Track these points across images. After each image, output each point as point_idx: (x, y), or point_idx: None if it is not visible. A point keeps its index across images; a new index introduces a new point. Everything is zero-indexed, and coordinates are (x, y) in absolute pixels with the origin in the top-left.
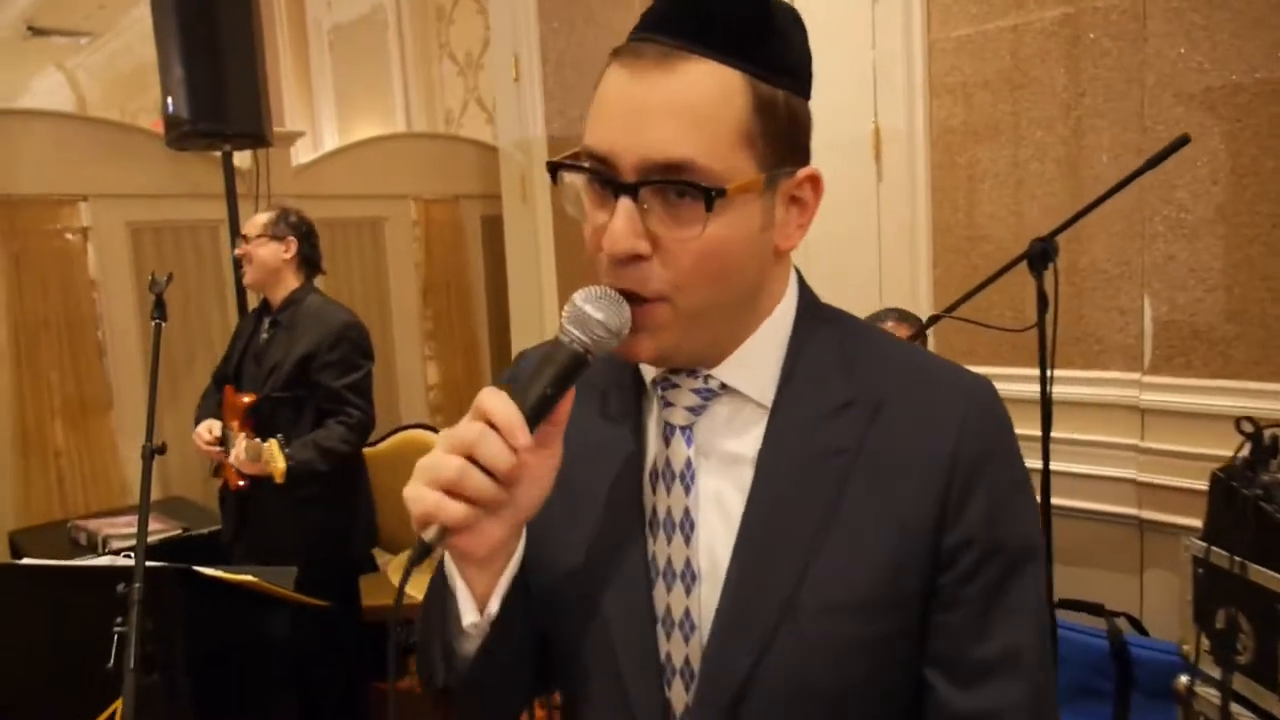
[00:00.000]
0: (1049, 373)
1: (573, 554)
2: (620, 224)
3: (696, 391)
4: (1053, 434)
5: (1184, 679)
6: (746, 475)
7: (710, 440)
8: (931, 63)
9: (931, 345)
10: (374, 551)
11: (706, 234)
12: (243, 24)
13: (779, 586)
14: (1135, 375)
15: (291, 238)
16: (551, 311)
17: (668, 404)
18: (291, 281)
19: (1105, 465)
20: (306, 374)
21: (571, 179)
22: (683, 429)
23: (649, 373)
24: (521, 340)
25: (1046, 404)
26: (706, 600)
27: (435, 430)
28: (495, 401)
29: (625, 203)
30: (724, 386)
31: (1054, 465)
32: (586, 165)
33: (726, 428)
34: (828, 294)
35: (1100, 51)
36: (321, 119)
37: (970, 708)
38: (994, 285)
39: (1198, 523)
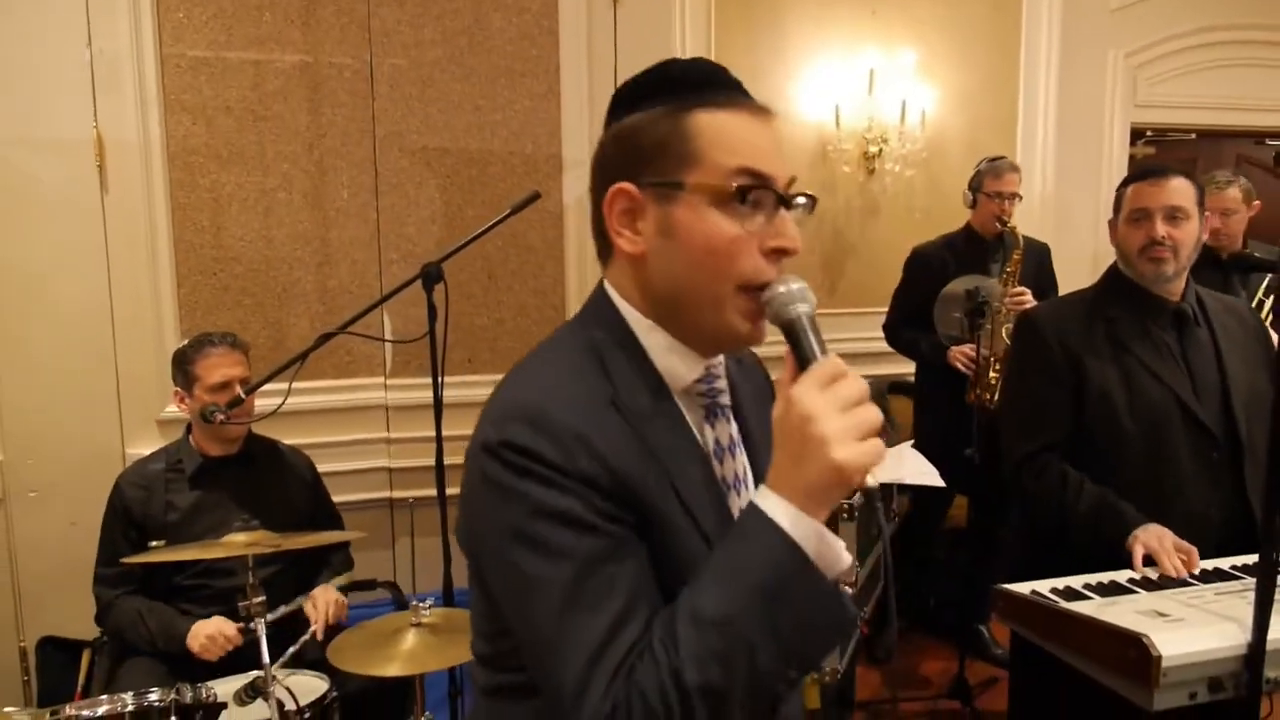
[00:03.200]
0: (440, 377)
1: (688, 522)
2: (796, 228)
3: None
4: (318, 439)
5: None
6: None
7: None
8: (165, 77)
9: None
10: None
11: None
12: None
13: None
14: (380, 379)
15: None
16: None
17: (716, 392)
18: None
19: (363, 459)
20: None
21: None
22: (726, 409)
23: (685, 377)
24: None
25: (439, 404)
26: None
27: None
28: (839, 364)
29: (789, 213)
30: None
31: (327, 467)
32: (764, 186)
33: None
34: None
35: (337, 102)
36: None
37: None
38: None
39: (431, 493)
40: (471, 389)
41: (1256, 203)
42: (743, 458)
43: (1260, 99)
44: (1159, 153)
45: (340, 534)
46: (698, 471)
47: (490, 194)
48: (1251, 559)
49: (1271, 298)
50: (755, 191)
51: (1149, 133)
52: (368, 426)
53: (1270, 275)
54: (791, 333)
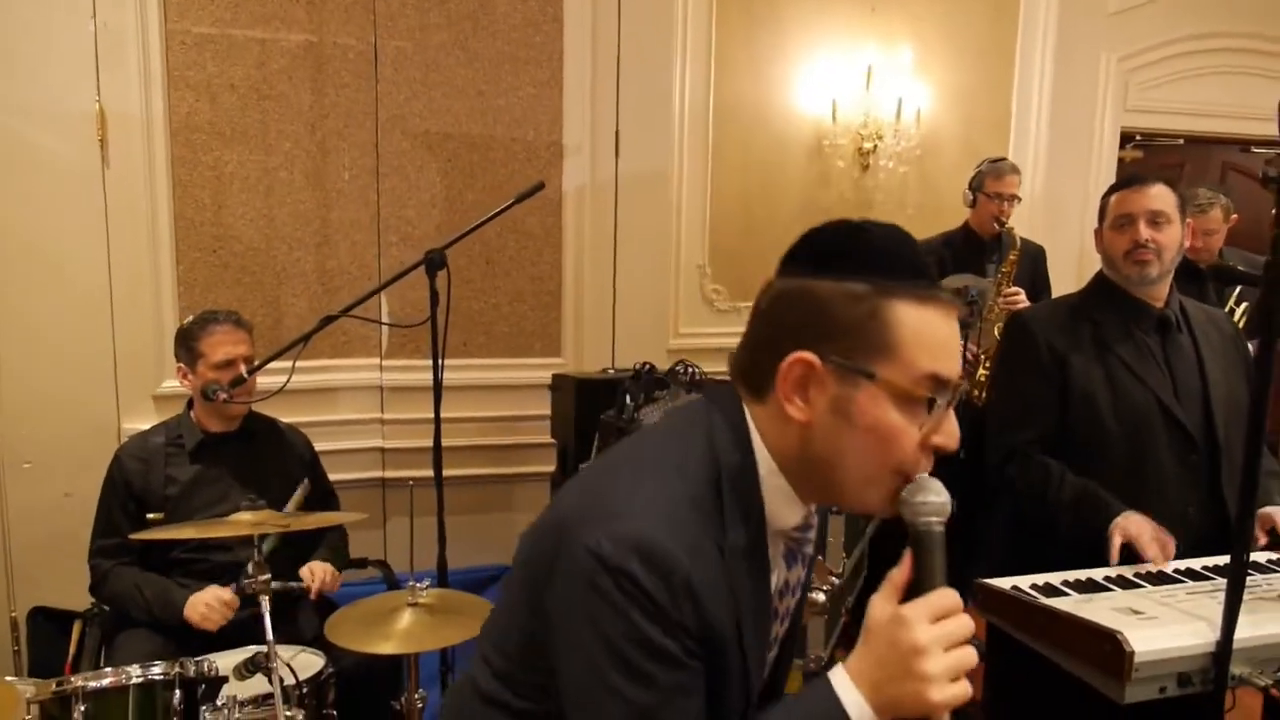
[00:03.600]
0: (440, 361)
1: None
2: (957, 424)
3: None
4: (313, 418)
5: None
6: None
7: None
8: (170, 53)
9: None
10: None
11: None
12: None
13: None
14: (375, 360)
15: None
16: None
17: (805, 541)
18: None
19: (356, 439)
20: None
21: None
22: (808, 556)
23: (787, 521)
24: None
25: (438, 389)
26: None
27: None
28: (954, 599)
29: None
30: None
31: (320, 446)
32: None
33: None
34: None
35: (340, 83)
36: None
37: None
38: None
39: (425, 473)
40: (467, 372)
41: (1235, 216)
42: (799, 596)
43: (1249, 107)
44: (1146, 157)
45: (344, 515)
46: (762, 607)
47: (491, 179)
48: (1223, 560)
49: (1243, 306)
50: (939, 398)
51: (1138, 136)
52: (362, 407)
53: (1240, 286)
54: (921, 545)
